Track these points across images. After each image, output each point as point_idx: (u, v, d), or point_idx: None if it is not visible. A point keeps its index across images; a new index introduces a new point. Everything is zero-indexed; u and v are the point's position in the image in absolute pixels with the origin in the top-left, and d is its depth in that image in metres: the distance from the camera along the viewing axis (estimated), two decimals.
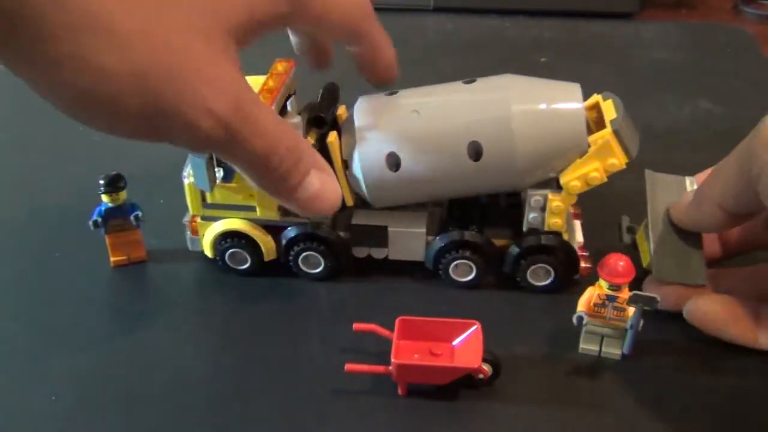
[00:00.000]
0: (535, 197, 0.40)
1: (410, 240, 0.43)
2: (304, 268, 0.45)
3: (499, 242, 0.43)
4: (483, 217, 0.44)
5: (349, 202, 0.43)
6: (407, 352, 0.37)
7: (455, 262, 0.43)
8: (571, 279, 0.43)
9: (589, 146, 0.39)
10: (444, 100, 0.41)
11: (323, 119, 0.41)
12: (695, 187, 0.41)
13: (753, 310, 0.38)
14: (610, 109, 0.39)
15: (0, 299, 0.45)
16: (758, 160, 0.34)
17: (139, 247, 0.47)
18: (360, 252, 0.45)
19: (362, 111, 0.41)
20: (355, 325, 0.38)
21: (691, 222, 0.39)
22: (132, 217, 0.45)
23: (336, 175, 0.39)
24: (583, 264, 0.42)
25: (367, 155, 0.41)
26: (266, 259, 0.45)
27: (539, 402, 0.37)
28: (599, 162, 0.39)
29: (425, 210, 0.44)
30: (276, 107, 0.40)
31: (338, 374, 0.37)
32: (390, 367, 0.36)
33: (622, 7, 0.82)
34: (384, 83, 0.41)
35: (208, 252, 0.46)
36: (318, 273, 0.45)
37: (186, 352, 0.40)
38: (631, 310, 0.37)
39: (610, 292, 0.37)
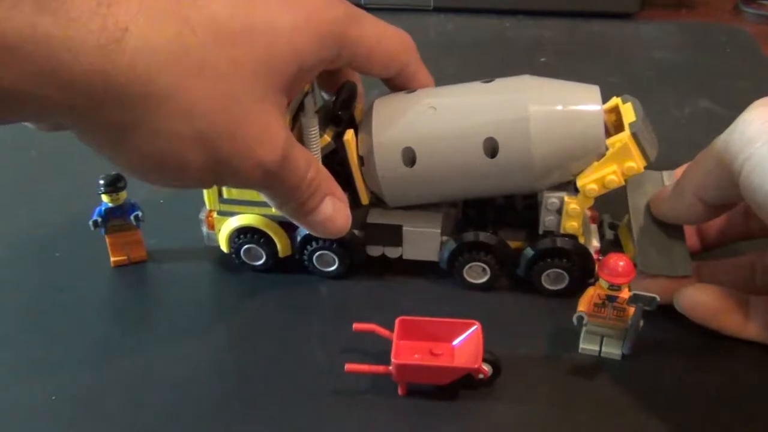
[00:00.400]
0: (551, 199, 0.40)
1: (425, 240, 0.43)
2: (319, 267, 0.45)
3: (514, 244, 0.43)
4: (498, 218, 0.44)
5: (364, 201, 0.43)
6: (407, 352, 0.37)
7: (469, 264, 0.43)
8: (585, 283, 0.42)
9: (607, 149, 0.38)
10: (461, 98, 0.41)
11: (340, 117, 0.41)
12: (673, 180, 0.41)
13: (742, 301, 0.39)
14: (629, 112, 0.39)
15: (0, 299, 0.45)
16: (740, 155, 0.34)
17: (139, 247, 0.47)
18: (374, 251, 0.45)
19: (380, 108, 0.42)
20: (355, 325, 0.38)
21: (671, 214, 0.40)
22: (132, 217, 0.45)
23: (350, 173, 0.41)
24: (598, 269, 0.41)
25: (383, 150, 0.41)
26: (281, 255, 0.45)
27: (539, 402, 0.37)
28: (617, 165, 0.38)
29: (440, 210, 0.44)
30: (294, 106, 0.40)
31: (338, 374, 0.37)
32: (390, 367, 0.36)
33: (622, 7, 0.82)
34: None
35: (224, 247, 0.46)
36: (332, 271, 0.45)
37: (185, 352, 0.40)
38: (631, 310, 0.37)
39: (610, 292, 0.37)
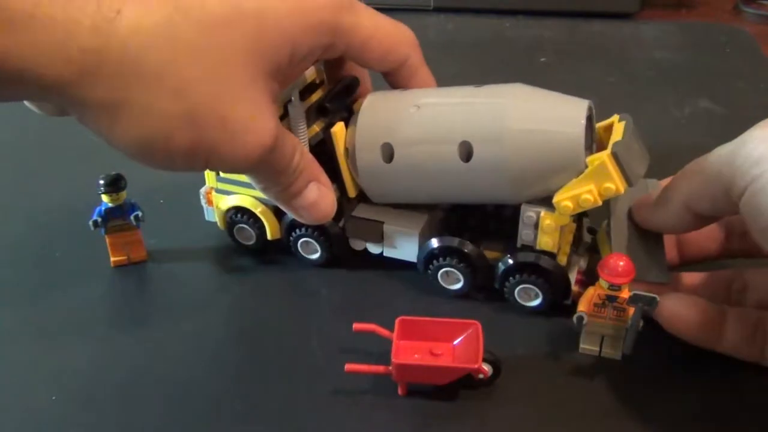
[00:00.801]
0: (528, 213, 0.39)
1: (404, 240, 0.44)
2: (303, 253, 0.46)
3: (492, 255, 0.42)
4: (484, 226, 0.43)
5: (351, 194, 0.43)
6: (407, 352, 0.37)
7: (444, 269, 0.43)
8: (560, 303, 0.41)
9: (586, 166, 0.37)
10: (446, 100, 0.41)
11: (326, 109, 0.42)
12: (659, 189, 0.40)
13: (718, 313, 0.38)
14: (619, 131, 0.38)
15: (0, 299, 0.45)
16: (745, 174, 0.32)
17: (139, 247, 0.47)
18: (357, 245, 0.45)
19: (369, 103, 0.42)
20: (355, 325, 0.38)
21: (654, 220, 0.39)
22: (132, 217, 0.45)
23: (338, 163, 0.41)
24: (576, 289, 0.41)
25: (364, 143, 0.41)
26: (270, 238, 0.46)
27: (539, 402, 0.37)
28: (594, 184, 0.37)
29: (426, 212, 0.44)
30: (287, 93, 0.41)
31: (338, 374, 0.37)
32: (390, 367, 0.36)
33: (622, 7, 0.82)
34: None
35: (220, 224, 0.47)
36: (315, 259, 0.46)
37: (186, 352, 0.40)
38: (631, 310, 0.37)
39: (610, 292, 0.37)
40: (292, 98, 0.41)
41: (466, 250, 0.42)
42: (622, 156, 0.36)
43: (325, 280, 0.45)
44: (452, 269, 0.42)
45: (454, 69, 0.66)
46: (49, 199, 0.54)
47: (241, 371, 0.39)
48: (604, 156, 0.36)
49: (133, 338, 0.42)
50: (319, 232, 0.44)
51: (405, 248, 0.44)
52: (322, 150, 0.42)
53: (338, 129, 0.41)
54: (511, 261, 0.41)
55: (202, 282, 0.46)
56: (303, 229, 0.45)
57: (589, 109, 0.38)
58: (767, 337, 0.37)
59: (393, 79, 0.42)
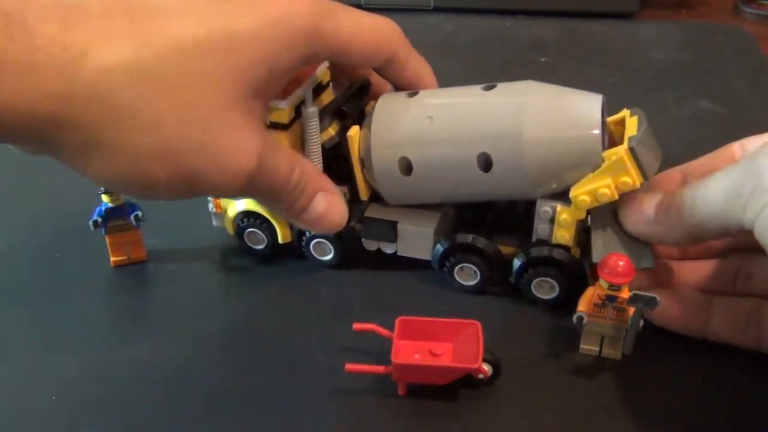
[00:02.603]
0: (544, 208, 0.40)
1: (419, 238, 0.43)
2: (315, 255, 0.46)
3: (507, 250, 0.43)
4: (498, 222, 0.44)
5: (364, 197, 0.44)
6: (407, 352, 0.37)
7: (460, 265, 0.43)
8: (577, 296, 0.41)
9: (603, 161, 0.37)
10: (459, 109, 0.40)
11: (344, 112, 0.42)
12: (649, 190, 0.39)
13: (704, 304, 0.39)
14: (632, 126, 0.38)
15: (0, 299, 0.45)
16: (757, 204, 0.31)
17: (139, 247, 0.47)
18: (370, 245, 0.45)
19: (380, 112, 0.42)
20: (355, 325, 0.38)
21: (653, 238, 0.38)
22: (132, 217, 0.45)
23: (352, 168, 0.42)
24: (598, 269, 0.40)
25: (381, 158, 0.41)
26: (281, 241, 0.46)
27: (539, 402, 0.37)
28: (611, 179, 0.37)
29: (439, 210, 0.44)
30: (293, 99, 0.40)
31: (338, 374, 0.37)
32: (390, 367, 0.36)
33: (622, 7, 0.82)
34: None
35: (229, 229, 0.47)
36: (328, 261, 0.46)
37: (186, 352, 0.40)
38: (631, 310, 0.37)
39: (610, 292, 0.37)
40: (306, 100, 0.41)
41: (481, 246, 0.42)
42: (639, 151, 0.37)
43: (325, 280, 0.45)
44: (468, 265, 0.43)
45: (454, 69, 0.66)
46: (49, 199, 0.54)
47: (241, 371, 0.39)
48: (622, 151, 0.37)
49: (134, 338, 0.42)
50: (333, 233, 0.44)
51: (419, 247, 0.44)
52: (337, 153, 0.43)
53: (354, 133, 0.41)
54: (527, 256, 0.41)
55: (202, 282, 0.46)
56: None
57: (602, 104, 0.39)
58: (762, 325, 0.37)
59: (385, 74, 0.42)
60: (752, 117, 0.49)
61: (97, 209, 0.45)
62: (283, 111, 0.40)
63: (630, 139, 0.37)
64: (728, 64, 0.72)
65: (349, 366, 0.37)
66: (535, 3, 0.82)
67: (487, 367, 0.36)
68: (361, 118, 0.43)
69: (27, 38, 0.27)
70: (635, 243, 0.39)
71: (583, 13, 0.81)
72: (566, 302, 0.41)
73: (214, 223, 0.48)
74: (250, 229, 0.46)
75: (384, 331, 0.38)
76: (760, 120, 0.36)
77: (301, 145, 0.42)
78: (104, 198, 0.44)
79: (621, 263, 0.36)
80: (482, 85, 0.41)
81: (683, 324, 0.39)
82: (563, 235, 0.40)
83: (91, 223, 0.45)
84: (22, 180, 0.57)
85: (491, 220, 0.44)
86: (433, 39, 0.78)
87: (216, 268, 0.47)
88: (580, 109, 0.38)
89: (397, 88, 0.43)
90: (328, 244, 0.45)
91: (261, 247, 0.46)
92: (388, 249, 0.45)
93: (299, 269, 0.46)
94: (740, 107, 0.64)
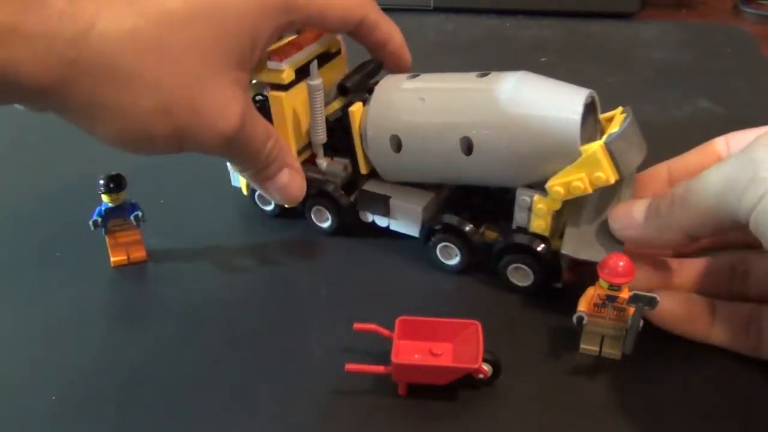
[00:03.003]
0: (522, 197, 0.41)
1: (408, 214, 0.46)
2: (315, 221, 0.49)
3: (491, 235, 0.44)
4: (488, 208, 0.45)
5: (363, 171, 0.46)
6: (407, 352, 0.37)
7: (442, 244, 0.45)
8: (551, 286, 0.42)
9: (581, 154, 0.38)
10: (449, 94, 0.42)
11: (345, 88, 0.45)
12: (632, 181, 0.40)
13: (707, 307, 0.39)
14: (616, 123, 0.39)
15: (0, 299, 0.45)
16: (753, 197, 0.32)
17: (139, 247, 0.47)
18: (365, 217, 0.48)
19: (380, 90, 0.44)
20: (355, 325, 0.38)
21: (644, 243, 0.38)
22: (132, 217, 0.45)
23: (353, 143, 0.45)
24: (568, 274, 0.42)
25: (375, 134, 0.44)
26: (287, 205, 0.47)
27: (539, 402, 0.37)
28: (586, 173, 0.38)
29: (433, 190, 0.46)
30: (291, 61, 0.43)
31: (338, 374, 0.37)
32: (390, 367, 0.36)
33: (622, 7, 0.82)
34: (398, 70, 0.46)
35: (244, 189, 0.51)
36: (326, 228, 0.49)
37: (186, 352, 0.40)
38: (631, 310, 0.37)
39: (610, 292, 0.37)
40: (311, 72, 0.43)
41: (464, 228, 0.44)
42: (615, 148, 0.37)
43: (325, 280, 0.45)
44: (450, 245, 0.44)
45: (454, 69, 0.67)
46: (49, 199, 0.54)
47: (241, 371, 0.39)
48: (597, 146, 0.37)
49: (133, 338, 0.42)
50: (332, 202, 0.47)
51: (409, 222, 0.46)
52: (340, 126, 0.45)
53: (356, 109, 0.44)
54: (506, 242, 0.42)
55: (202, 282, 0.46)
56: (315, 198, 0.48)
57: (590, 97, 0.39)
58: (762, 331, 0.37)
59: (358, 37, 0.44)
60: (752, 117, 0.48)
61: (97, 209, 0.45)
62: (281, 72, 0.42)
63: (608, 135, 0.38)
64: (728, 64, 0.72)
65: (349, 366, 0.37)
66: (535, 3, 0.83)
67: (487, 367, 0.36)
68: (366, 95, 0.45)
69: (41, 9, 0.31)
70: (608, 240, 0.39)
71: (583, 13, 0.82)
72: (542, 290, 0.42)
73: (232, 183, 0.52)
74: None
75: (384, 331, 0.38)
76: (760, 120, 0.36)
77: (302, 110, 0.45)
78: (104, 198, 0.44)
79: (621, 263, 0.36)
80: (477, 72, 0.42)
81: (687, 328, 0.39)
82: (539, 224, 0.41)
83: (91, 223, 0.45)
84: (22, 180, 0.57)
85: (481, 205, 0.45)
86: (433, 39, 0.78)
87: (216, 268, 0.47)
88: (563, 99, 0.39)
89: (370, 49, 0.46)
90: (327, 212, 0.48)
91: (269, 208, 0.50)
92: (382, 222, 0.47)
93: (300, 270, 0.46)
94: (740, 107, 0.64)
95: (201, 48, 0.35)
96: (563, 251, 0.40)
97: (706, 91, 0.66)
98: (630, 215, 0.38)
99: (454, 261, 0.45)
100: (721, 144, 0.40)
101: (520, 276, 0.43)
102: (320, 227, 0.49)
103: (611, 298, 0.37)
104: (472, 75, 0.42)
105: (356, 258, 0.47)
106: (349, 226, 0.48)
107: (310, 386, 0.38)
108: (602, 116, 0.41)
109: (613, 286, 0.36)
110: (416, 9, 0.83)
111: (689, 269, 0.41)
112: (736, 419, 0.36)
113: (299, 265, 0.46)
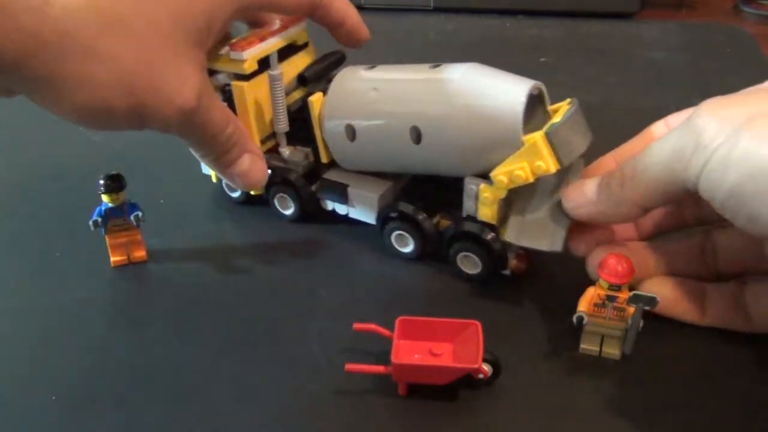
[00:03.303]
0: (469, 185, 0.41)
1: (365, 202, 0.47)
2: (279, 208, 0.50)
3: (445, 223, 0.45)
4: (444, 196, 0.45)
5: (324, 159, 0.47)
6: (407, 352, 0.37)
7: (397, 232, 0.46)
8: (498, 274, 0.43)
9: (523, 144, 0.39)
10: (401, 84, 0.43)
11: (304, 78, 0.46)
12: (579, 169, 0.41)
13: (698, 290, 0.40)
14: (559, 114, 0.40)
15: (0, 299, 0.45)
16: (698, 164, 0.33)
17: (139, 247, 0.47)
18: (326, 205, 0.49)
19: (337, 81, 0.45)
20: (355, 325, 0.38)
21: (601, 219, 0.39)
22: (132, 217, 0.45)
23: (314, 132, 0.46)
24: (515, 262, 0.43)
25: (332, 123, 0.45)
26: (252, 192, 0.50)
27: (539, 402, 0.37)
28: (527, 162, 0.39)
29: (391, 179, 0.47)
30: (253, 51, 0.43)
31: (338, 374, 0.37)
32: (390, 367, 0.36)
33: (622, 7, 0.82)
34: (356, 45, 0.47)
35: (213, 177, 0.52)
36: (289, 215, 0.50)
37: (186, 352, 0.40)
38: (631, 310, 0.37)
39: (610, 292, 0.37)
40: (271, 62, 0.44)
41: (417, 217, 0.45)
42: (555, 137, 0.38)
43: (325, 280, 0.45)
44: (404, 233, 0.45)
45: None
46: (49, 199, 0.54)
47: (241, 371, 0.39)
48: (537, 136, 0.38)
49: (133, 338, 0.42)
50: (294, 189, 0.48)
51: (366, 210, 0.47)
52: (301, 116, 0.46)
53: (315, 99, 0.45)
54: (454, 229, 0.43)
55: (202, 282, 0.46)
56: (278, 186, 0.49)
57: (537, 89, 0.40)
58: (747, 306, 0.39)
59: (315, 19, 0.45)
60: None
61: (97, 209, 0.45)
62: (242, 62, 0.43)
63: (550, 125, 0.38)
64: (728, 64, 0.72)
65: (349, 366, 0.37)
66: (535, 3, 0.83)
67: (487, 367, 0.36)
68: (326, 85, 0.46)
69: None
70: (550, 227, 0.40)
71: (583, 13, 0.82)
72: (491, 279, 0.43)
73: (203, 170, 0.52)
74: None
75: (384, 331, 0.38)
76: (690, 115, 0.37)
77: (265, 100, 0.46)
78: (104, 198, 0.44)
79: (621, 263, 0.36)
80: (431, 64, 0.43)
81: (679, 310, 0.40)
82: (486, 212, 0.42)
83: (91, 223, 0.45)
84: (22, 179, 0.57)
85: (438, 194, 0.46)
86: (433, 39, 0.78)
87: (216, 268, 0.47)
88: (507, 89, 0.40)
89: (329, 29, 0.46)
90: (289, 199, 0.49)
91: (236, 195, 0.51)
92: (341, 210, 0.49)
93: (300, 270, 0.46)
94: None
95: (160, 26, 0.35)
96: (505, 238, 0.41)
97: (706, 91, 0.66)
98: (582, 193, 0.39)
99: (409, 249, 0.46)
100: (660, 127, 0.41)
101: (470, 264, 0.44)
102: (283, 214, 0.50)
103: (611, 298, 0.37)
104: (426, 66, 0.43)
105: (356, 258, 0.47)
106: (312, 213, 0.49)
107: (310, 386, 0.38)
108: (551, 107, 0.42)
109: (613, 286, 0.36)
110: (416, 9, 0.83)
111: (663, 252, 0.42)
112: (736, 419, 0.36)
113: (299, 266, 0.46)
